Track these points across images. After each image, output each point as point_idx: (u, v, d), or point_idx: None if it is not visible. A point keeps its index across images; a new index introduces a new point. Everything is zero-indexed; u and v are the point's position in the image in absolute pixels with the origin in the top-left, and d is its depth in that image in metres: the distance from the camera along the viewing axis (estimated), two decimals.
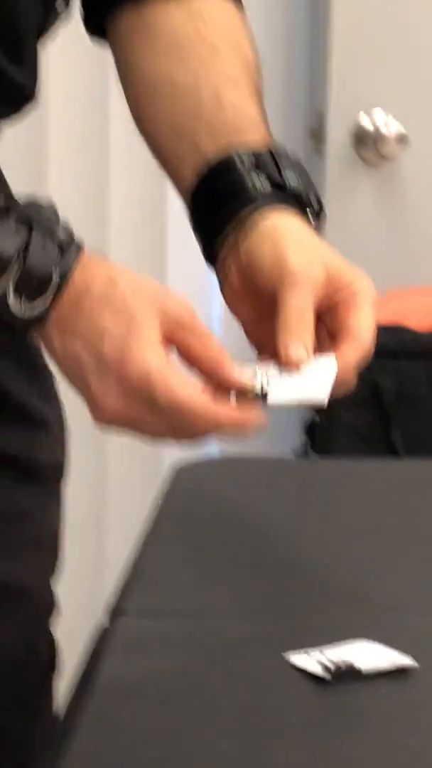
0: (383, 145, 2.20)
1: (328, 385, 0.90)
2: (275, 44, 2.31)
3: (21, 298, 0.88)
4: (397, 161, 2.22)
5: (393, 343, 2.10)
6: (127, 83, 1.07)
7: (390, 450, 2.08)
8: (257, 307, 0.96)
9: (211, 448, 2.39)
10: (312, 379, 0.91)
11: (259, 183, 0.98)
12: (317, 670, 0.87)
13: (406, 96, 2.22)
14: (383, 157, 2.22)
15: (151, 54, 1.05)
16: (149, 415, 0.88)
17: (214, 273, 1.00)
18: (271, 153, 0.99)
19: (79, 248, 0.90)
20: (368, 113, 2.21)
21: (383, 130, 2.20)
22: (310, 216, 0.99)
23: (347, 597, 1.02)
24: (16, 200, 0.91)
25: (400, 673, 0.88)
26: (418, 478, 1.34)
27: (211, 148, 1.00)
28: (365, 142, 2.21)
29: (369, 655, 0.89)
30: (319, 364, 0.91)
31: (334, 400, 0.93)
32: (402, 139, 2.20)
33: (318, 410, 2.13)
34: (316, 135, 2.27)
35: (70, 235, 0.90)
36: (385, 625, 0.95)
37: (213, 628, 0.96)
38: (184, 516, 1.20)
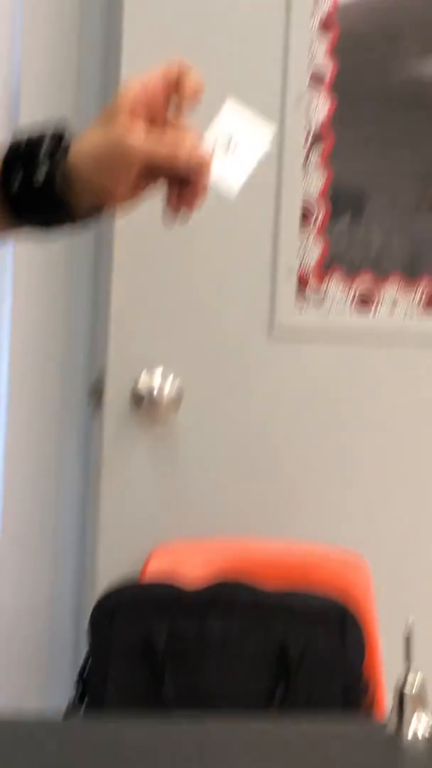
0: (159, 405, 2.30)
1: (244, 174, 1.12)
2: (56, 308, 2.39)
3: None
4: (172, 419, 2.32)
5: (165, 596, 2.16)
6: None
7: (161, 702, 2.11)
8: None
9: None
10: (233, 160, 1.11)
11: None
12: None
13: (183, 357, 2.32)
14: (159, 416, 2.31)
15: None
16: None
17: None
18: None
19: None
20: (148, 372, 2.30)
21: (159, 390, 2.30)
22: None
23: None
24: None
25: None
26: (189, 738, 1.38)
27: None
28: (142, 401, 2.30)
29: None
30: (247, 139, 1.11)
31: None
32: (177, 399, 2.31)
33: (90, 663, 2.16)
34: (97, 393, 2.35)
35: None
36: None
37: None
38: None
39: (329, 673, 2.15)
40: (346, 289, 2.44)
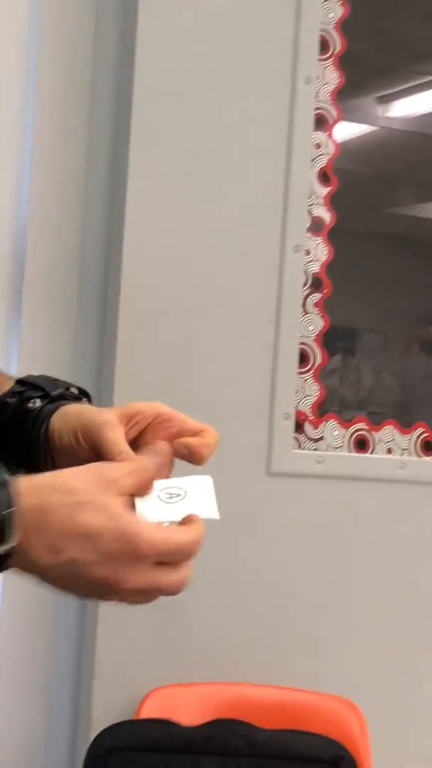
0: None
1: (213, 500, 1.10)
2: None
3: None
4: None
5: (161, 734, 2.15)
6: None
7: None
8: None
9: None
10: (196, 498, 1.09)
11: (32, 404, 1.23)
12: None
13: None
14: None
15: None
16: (164, 571, 1.07)
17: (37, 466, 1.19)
18: (21, 382, 1.25)
19: (6, 482, 1.04)
20: None
21: None
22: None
23: None
24: None
25: None
26: None
27: None
28: None
29: None
30: (195, 483, 1.10)
31: None
32: None
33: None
34: None
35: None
36: None
37: None
38: None
39: None
40: (343, 431, 2.47)
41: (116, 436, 1.15)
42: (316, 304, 2.44)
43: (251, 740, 2.16)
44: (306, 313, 2.44)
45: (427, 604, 2.49)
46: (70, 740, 2.44)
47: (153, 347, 2.35)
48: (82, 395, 1.27)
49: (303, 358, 2.44)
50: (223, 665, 2.35)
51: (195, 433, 1.21)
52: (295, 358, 2.43)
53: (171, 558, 1.07)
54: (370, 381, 2.53)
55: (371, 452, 2.48)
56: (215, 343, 2.38)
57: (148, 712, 2.23)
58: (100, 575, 1.05)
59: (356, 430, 2.48)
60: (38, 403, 1.23)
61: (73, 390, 1.26)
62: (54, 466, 1.20)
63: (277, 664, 2.38)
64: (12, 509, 1.03)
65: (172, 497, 1.11)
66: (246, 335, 2.40)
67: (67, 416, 1.20)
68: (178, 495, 1.11)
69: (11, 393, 1.24)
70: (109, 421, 1.16)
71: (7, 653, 2.42)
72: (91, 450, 1.16)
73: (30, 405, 1.22)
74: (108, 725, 2.20)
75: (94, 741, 2.17)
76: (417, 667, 2.48)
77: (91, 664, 2.32)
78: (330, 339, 2.45)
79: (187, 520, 1.10)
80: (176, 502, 1.10)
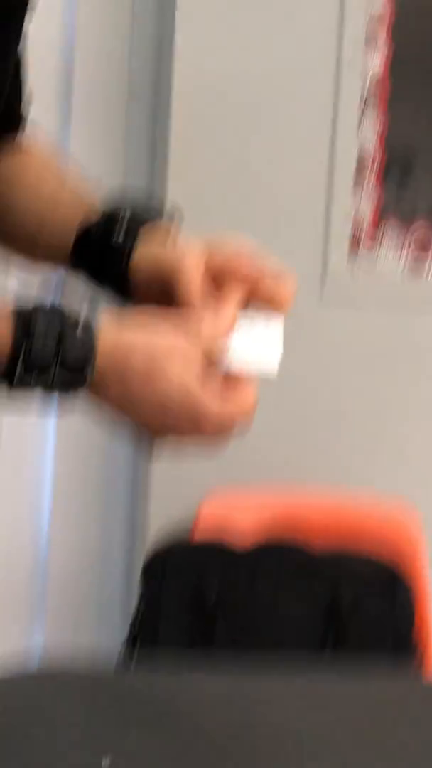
0: None
1: (277, 354, 1.12)
2: None
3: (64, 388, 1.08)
4: None
5: (216, 553, 2.17)
6: None
7: (213, 652, 2.12)
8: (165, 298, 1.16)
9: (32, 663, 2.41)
10: (260, 348, 1.12)
11: (116, 238, 1.21)
12: None
13: None
14: None
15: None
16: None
17: (124, 297, 1.21)
18: (108, 213, 1.23)
19: (93, 326, 1.08)
20: None
21: None
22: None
23: None
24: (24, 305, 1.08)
25: None
26: (242, 691, 1.38)
27: (79, 216, 1.24)
28: None
29: None
30: (265, 330, 1.13)
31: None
32: None
33: (141, 616, 2.17)
34: None
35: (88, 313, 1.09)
36: None
37: None
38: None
39: (378, 636, 2.15)
40: (401, 242, 2.41)
41: (193, 285, 1.15)
42: (376, 107, 2.37)
43: (304, 563, 2.18)
44: (364, 120, 2.37)
45: None
46: (128, 549, 2.47)
47: (206, 156, 2.30)
48: (166, 216, 1.25)
49: (360, 168, 2.38)
50: (280, 467, 2.36)
51: (274, 278, 1.19)
52: (353, 165, 2.36)
53: (232, 432, 1.12)
54: (429, 195, 2.46)
55: (427, 277, 2.43)
56: (270, 151, 2.33)
57: (204, 522, 2.25)
58: (163, 434, 1.11)
59: (412, 254, 2.42)
60: (121, 237, 1.22)
61: (156, 212, 1.25)
62: (133, 298, 1.21)
63: (336, 465, 2.39)
64: (90, 359, 1.08)
65: (240, 342, 1.12)
66: (302, 144, 2.34)
67: (148, 252, 1.20)
68: (248, 339, 1.12)
69: (95, 225, 1.24)
70: (188, 266, 1.16)
71: (62, 470, 2.44)
72: (164, 291, 1.17)
73: (114, 240, 1.22)
74: (163, 545, 2.22)
75: (150, 555, 2.19)
76: None
77: (147, 470, 2.34)
78: (388, 151, 2.38)
79: (241, 383, 1.12)
80: (243, 348, 1.12)
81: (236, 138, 2.32)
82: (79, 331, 1.08)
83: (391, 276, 2.40)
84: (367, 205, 2.38)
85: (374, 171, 2.39)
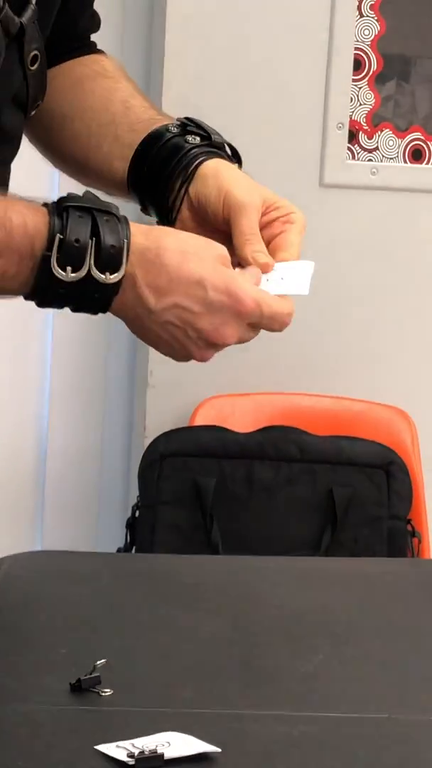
0: None
1: (308, 280, 1.18)
2: None
3: (101, 270, 1.07)
4: None
5: (213, 441, 2.18)
6: (41, 122, 1.28)
7: (210, 546, 2.15)
8: (208, 235, 1.16)
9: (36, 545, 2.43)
10: (294, 277, 1.18)
11: (192, 139, 1.22)
12: (122, 757, 0.92)
13: None
14: None
15: (63, 94, 1.29)
16: (252, 331, 1.13)
17: (167, 224, 1.21)
18: (187, 119, 1.24)
19: (125, 218, 1.10)
20: None
21: None
22: (235, 160, 1.25)
23: (159, 692, 1.07)
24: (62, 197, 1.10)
25: (202, 759, 0.94)
26: (237, 573, 1.41)
27: (132, 137, 1.23)
28: None
29: (175, 743, 0.95)
30: (296, 267, 1.19)
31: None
32: None
33: (139, 507, 2.19)
34: None
35: (116, 210, 1.10)
36: (193, 718, 1.01)
37: (22, 714, 1.00)
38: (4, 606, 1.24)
39: (375, 518, 2.18)
40: (398, 141, 2.41)
41: (252, 229, 1.18)
42: (372, 7, 2.36)
43: (303, 446, 2.20)
44: (361, 17, 2.35)
45: None
46: (125, 448, 2.49)
47: (203, 53, 2.28)
48: (235, 157, 1.26)
49: (358, 65, 2.37)
50: (274, 376, 2.37)
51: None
52: (350, 63, 2.35)
53: (266, 323, 1.13)
54: (426, 108, 2.45)
55: (427, 162, 2.43)
56: (268, 49, 2.31)
57: (201, 420, 2.26)
58: (203, 326, 1.11)
59: (412, 140, 2.42)
60: (198, 140, 1.23)
61: (228, 150, 1.26)
62: (178, 213, 1.22)
63: (330, 374, 2.40)
64: (125, 241, 1.08)
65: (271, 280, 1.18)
66: (299, 40, 2.32)
67: (219, 173, 1.21)
68: (281, 278, 1.18)
69: (176, 125, 1.24)
70: (252, 205, 1.19)
71: (60, 363, 2.45)
72: (223, 221, 1.19)
73: (189, 139, 1.23)
74: (162, 433, 2.24)
75: (148, 447, 2.21)
76: None
77: (145, 375, 2.34)
78: (386, 58, 2.37)
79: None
80: (276, 282, 1.17)
81: (235, 36, 2.31)
82: (112, 219, 1.09)
83: (390, 162, 2.39)
84: (364, 108, 2.38)
85: (370, 72, 2.38)
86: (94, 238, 1.08)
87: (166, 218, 1.23)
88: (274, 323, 1.13)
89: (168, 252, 1.10)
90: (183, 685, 1.08)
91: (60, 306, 1.11)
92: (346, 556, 2.13)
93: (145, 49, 2.38)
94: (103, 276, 1.08)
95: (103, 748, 0.94)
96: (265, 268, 1.17)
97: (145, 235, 1.11)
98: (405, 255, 2.42)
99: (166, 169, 1.21)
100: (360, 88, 2.38)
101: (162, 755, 0.93)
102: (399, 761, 0.98)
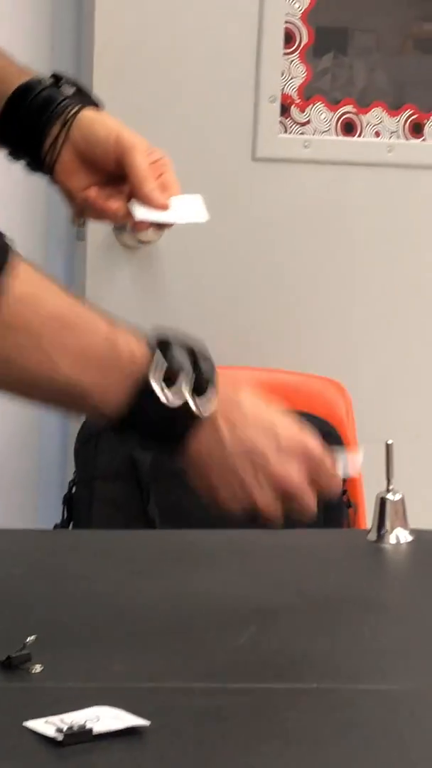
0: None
1: (203, 208, 1.29)
2: None
3: (195, 399, 1.14)
4: (154, 244, 2.32)
5: None
6: None
7: (147, 521, 2.15)
8: (90, 176, 1.28)
9: None
10: (189, 208, 1.29)
11: (66, 89, 1.31)
12: (51, 732, 0.93)
13: None
14: (141, 242, 2.32)
15: None
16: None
17: (41, 170, 1.30)
18: (55, 74, 1.32)
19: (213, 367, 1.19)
20: None
21: None
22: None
23: (89, 667, 1.08)
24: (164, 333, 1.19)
25: (131, 733, 0.95)
26: (173, 547, 1.42)
27: (1, 88, 1.31)
28: (124, 226, 2.30)
29: (105, 718, 0.95)
30: (187, 199, 1.28)
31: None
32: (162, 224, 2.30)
33: (75, 483, 2.20)
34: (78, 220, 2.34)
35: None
36: (123, 693, 1.02)
37: None
38: None
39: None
40: (330, 114, 2.42)
41: (146, 167, 1.27)
42: None
43: None
44: None
45: (412, 285, 2.49)
46: (63, 424, 2.49)
47: (134, 26, 2.28)
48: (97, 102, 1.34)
49: (289, 38, 2.37)
50: (211, 349, 2.37)
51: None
52: (281, 36, 2.36)
53: (316, 467, 1.20)
54: (362, 80, 2.46)
55: (359, 135, 2.44)
56: (198, 22, 2.31)
57: None
58: (274, 469, 1.17)
59: (344, 113, 2.43)
60: (72, 91, 1.31)
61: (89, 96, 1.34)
62: (58, 156, 1.29)
63: (263, 346, 2.41)
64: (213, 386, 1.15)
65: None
66: (229, 12, 2.32)
67: (103, 117, 1.29)
68: (178, 210, 1.29)
69: (51, 77, 1.31)
70: (143, 146, 1.28)
71: None
72: (114, 161, 1.27)
73: (63, 90, 1.30)
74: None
75: (84, 422, 2.22)
76: (401, 346, 2.51)
77: None
78: (321, 33, 2.37)
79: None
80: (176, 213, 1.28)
81: (165, 10, 2.31)
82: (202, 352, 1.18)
83: (323, 136, 2.41)
84: (295, 81, 2.39)
85: (301, 45, 2.38)
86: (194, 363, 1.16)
87: (42, 163, 1.30)
88: (325, 474, 1.22)
89: (243, 398, 1.18)
90: (113, 660, 1.09)
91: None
92: (281, 528, 2.14)
93: (76, 20, 2.37)
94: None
95: (31, 724, 0.95)
96: (160, 205, 1.27)
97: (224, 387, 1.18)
98: (337, 227, 2.44)
99: (42, 115, 1.29)
100: (291, 61, 2.38)
101: (91, 730, 0.94)
102: (331, 731, 0.99)
